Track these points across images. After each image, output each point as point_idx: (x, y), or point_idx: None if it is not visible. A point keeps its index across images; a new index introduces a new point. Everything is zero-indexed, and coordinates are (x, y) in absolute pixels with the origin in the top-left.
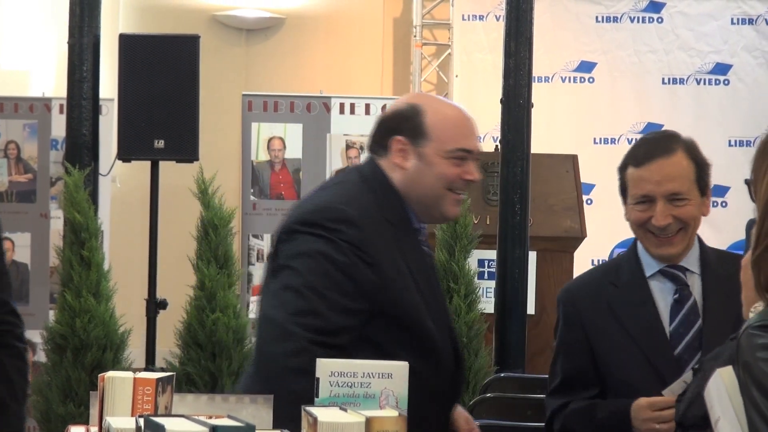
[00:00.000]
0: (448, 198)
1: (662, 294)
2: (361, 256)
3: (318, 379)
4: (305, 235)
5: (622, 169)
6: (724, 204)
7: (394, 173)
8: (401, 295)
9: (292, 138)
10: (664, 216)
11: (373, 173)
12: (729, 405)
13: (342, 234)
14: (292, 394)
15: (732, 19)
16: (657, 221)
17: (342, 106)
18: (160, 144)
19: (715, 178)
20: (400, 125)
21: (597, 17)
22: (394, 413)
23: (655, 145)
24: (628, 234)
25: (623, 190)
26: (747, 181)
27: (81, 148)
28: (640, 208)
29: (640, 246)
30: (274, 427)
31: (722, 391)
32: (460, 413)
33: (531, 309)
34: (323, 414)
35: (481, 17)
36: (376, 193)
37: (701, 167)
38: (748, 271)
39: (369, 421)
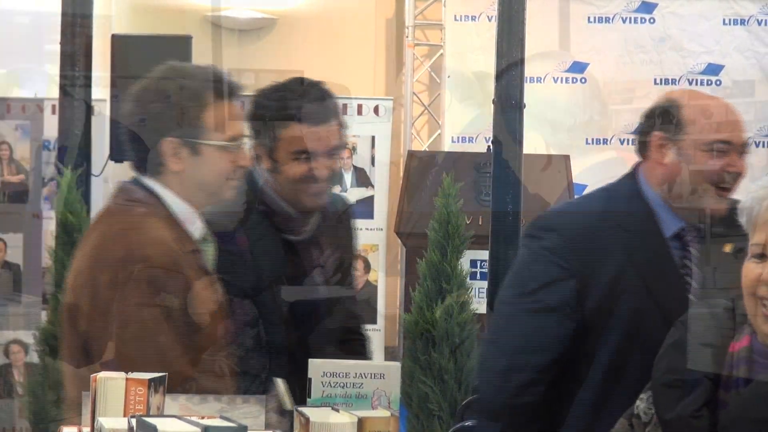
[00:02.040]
0: (710, 193)
1: None
2: (557, 261)
3: (310, 379)
4: (522, 243)
5: None
6: None
7: (655, 171)
8: (616, 301)
9: None
10: None
11: (622, 179)
12: None
13: (542, 241)
14: (504, 405)
15: (724, 20)
16: None
17: None
18: None
19: None
20: (658, 120)
21: (589, 18)
22: (387, 413)
23: None
24: None
25: None
26: None
27: (73, 148)
28: None
29: None
30: None
31: None
32: None
33: None
34: (315, 414)
35: (473, 18)
36: (611, 200)
37: None
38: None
39: (361, 422)
